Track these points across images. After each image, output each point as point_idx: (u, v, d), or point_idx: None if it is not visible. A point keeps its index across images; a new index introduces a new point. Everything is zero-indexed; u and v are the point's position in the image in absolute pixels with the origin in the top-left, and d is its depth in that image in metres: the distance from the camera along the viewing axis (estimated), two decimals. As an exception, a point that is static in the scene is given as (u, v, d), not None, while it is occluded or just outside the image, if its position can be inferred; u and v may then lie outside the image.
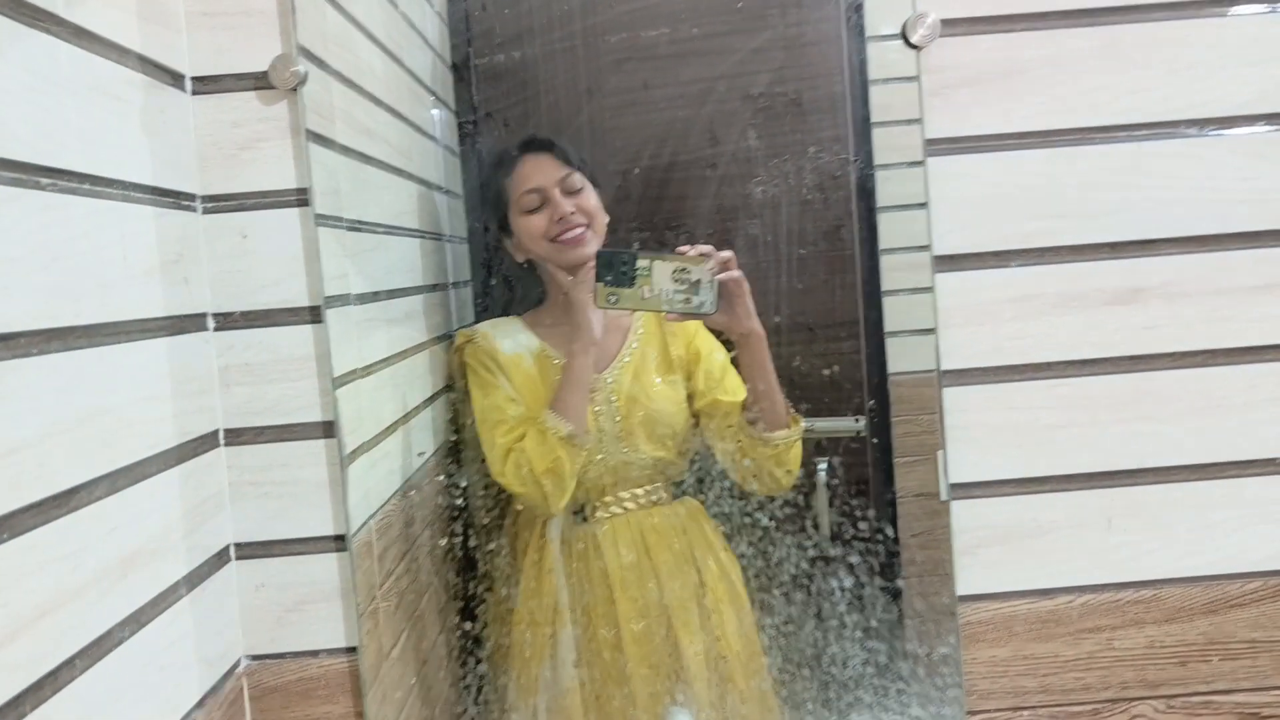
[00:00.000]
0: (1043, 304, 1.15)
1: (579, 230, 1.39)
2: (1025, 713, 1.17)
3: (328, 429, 1.12)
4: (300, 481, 1.12)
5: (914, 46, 1.11)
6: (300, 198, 1.11)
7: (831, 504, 1.51)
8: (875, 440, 1.51)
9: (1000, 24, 1.13)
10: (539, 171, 1.41)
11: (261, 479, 1.12)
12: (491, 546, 1.47)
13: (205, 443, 1.08)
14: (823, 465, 1.51)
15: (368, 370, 1.26)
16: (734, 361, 1.40)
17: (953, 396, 1.16)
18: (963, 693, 1.16)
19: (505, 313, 1.51)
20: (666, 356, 1.43)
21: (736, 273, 1.25)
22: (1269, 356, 1.16)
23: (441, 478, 1.46)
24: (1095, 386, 1.16)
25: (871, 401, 1.53)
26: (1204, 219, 1.15)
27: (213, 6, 1.10)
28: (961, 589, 1.16)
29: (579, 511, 1.41)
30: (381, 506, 1.25)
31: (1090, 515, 1.16)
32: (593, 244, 1.39)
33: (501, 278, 1.58)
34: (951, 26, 1.12)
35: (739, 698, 1.40)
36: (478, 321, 1.52)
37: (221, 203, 1.11)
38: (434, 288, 1.55)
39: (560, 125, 1.58)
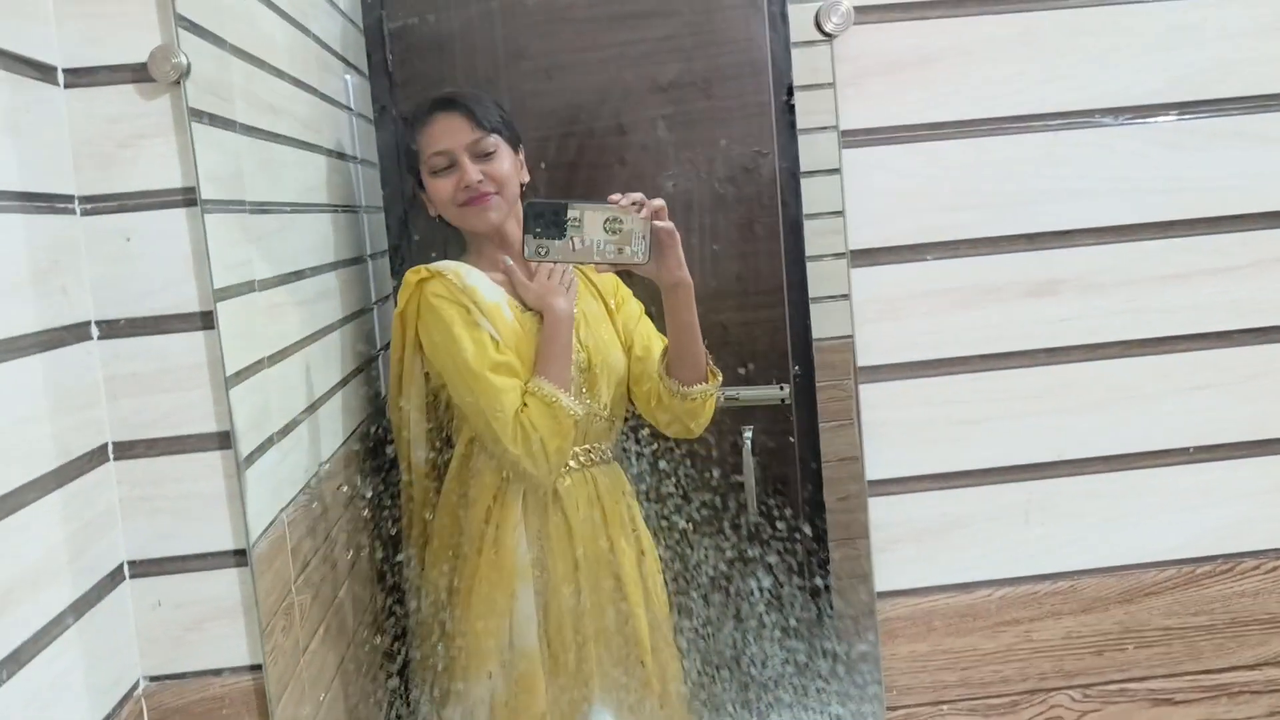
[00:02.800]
0: (959, 298, 1.14)
1: (485, 197, 1.34)
2: (945, 706, 1.17)
3: (223, 439, 1.07)
4: (196, 495, 1.07)
5: (827, 35, 1.08)
6: (187, 197, 1.05)
7: (759, 477, 1.48)
8: (784, 405, 1.47)
9: (915, 10, 1.10)
10: (449, 133, 1.35)
11: (154, 493, 1.07)
12: (391, 545, 1.43)
13: (92, 459, 1.03)
14: (748, 433, 1.49)
15: (275, 359, 1.21)
16: (650, 314, 1.39)
17: (869, 393, 1.14)
18: (882, 689, 1.15)
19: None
20: (604, 306, 1.41)
21: (668, 223, 1.22)
22: (1181, 346, 1.16)
23: (339, 484, 1.40)
24: (1011, 380, 1.15)
25: (796, 368, 1.51)
26: (1119, 209, 1.14)
27: (84, -8, 1.03)
28: (880, 585, 1.16)
29: None
30: (294, 498, 1.21)
31: (1007, 509, 1.16)
32: (500, 209, 1.35)
33: (420, 241, 1.51)
34: (865, 14, 1.09)
35: (666, 657, 1.39)
36: (396, 288, 1.44)
37: (101, 204, 1.04)
38: (349, 262, 1.50)
39: (476, 88, 1.51)
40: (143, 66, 1.03)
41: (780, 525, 1.43)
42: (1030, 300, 1.14)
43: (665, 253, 1.23)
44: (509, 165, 1.36)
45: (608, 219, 1.18)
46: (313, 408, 1.31)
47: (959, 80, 1.11)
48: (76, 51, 1.03)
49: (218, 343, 1.06)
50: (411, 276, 1.34)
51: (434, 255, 1.45)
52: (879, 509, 1.15)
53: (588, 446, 1.36)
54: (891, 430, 1.15)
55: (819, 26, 1.08)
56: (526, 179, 1.39)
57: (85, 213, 1.04)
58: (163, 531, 1.07)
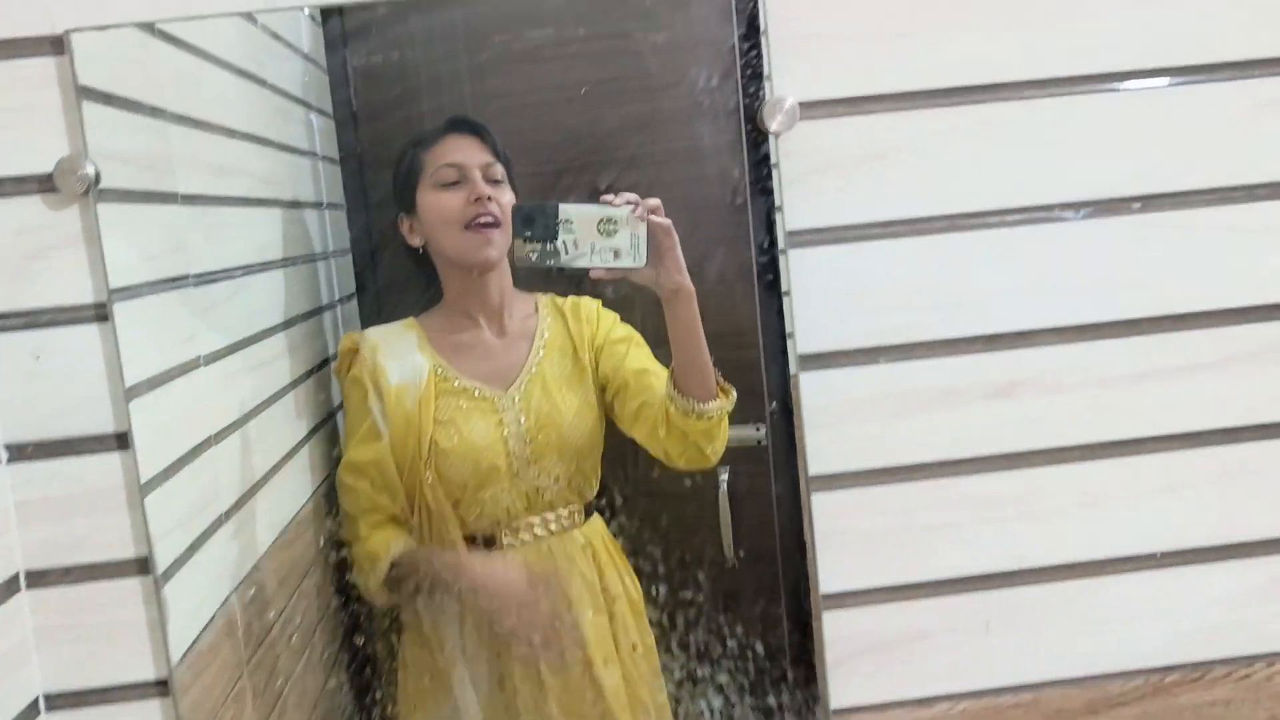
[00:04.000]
0: (915, 401, 1.09)
1: (492, 219, 1.28)
2: (904, 825, 1.13)
3: (143, 565, 1.02)
4: (115, 624, 1.03)
5: (770, 133, 1.03)
6: (100, 312, 1.00)
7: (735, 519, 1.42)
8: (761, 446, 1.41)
9: (863, 105, 1.05)
10: (464, 150, 1.31)
11: (72, 622, 1.02)
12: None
13: (4, 590, 0.98)
14: (724, 476, 1.43)
15: (225, 433, 1.17)
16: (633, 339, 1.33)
17: (821, 502, 1.09)
18: (839, 809, 1.11)
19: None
20: (577, 364, 1.34)
21: (665, 219, 1.15)
22: (1149, 448, 1.11)
23: (297, 549, 1.35)
24: (971, 486, 1.10)
25: (773, 404, 1.46)
26: (1080, 307, 1.09)
27: (-15, 101, 0.98)
28: (836, 702, 1.11)
29: (488, 541, 1.31)
30: (237, 587, 1.16)
31: (968, 620, 1.12)
32: (500, 248, 1.29)
33: (390, 284, 1.44)
34: (811, 109, 1.04)
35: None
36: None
37: (9, 321, 1.00)
38: (308, 315, 1.44)
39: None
40: (49, 177, 0.98)
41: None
42: (989, 403, 1.10)
43: (664, 254, 1.15)
44: (511, 198, 1.30)
45: (601, 220, 1.11)
46: (271, 473, 1.26)
47: (910, 176, 1.06)
48: (-22, 163, 0.98)
49: (134, 462, 1.01)
50: (345, 343, 1.33)
51: (405, 299, 1.39)
52: (833, 623, 1.10)
53: (541, 518, 1.31)
54: (846, 540, 1.10)
55: (762, 126, 1.02)
56: None
57: (-9, 331, 0.99)
58: (81, 662, 1.03)
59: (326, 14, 1.47)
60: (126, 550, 1.02)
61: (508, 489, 1.29)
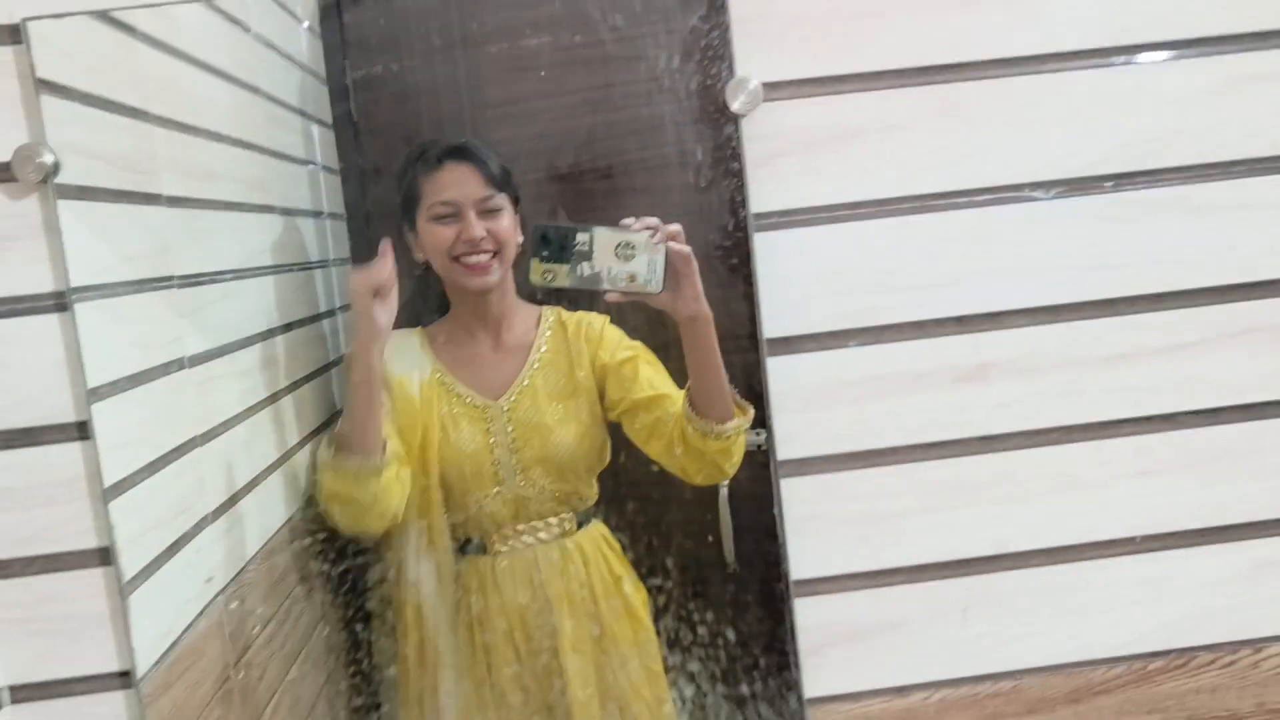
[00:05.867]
0: (886, 385, 1.07)
1: (484, 258, 1.30)
2: (882, 817, 1.10)
3: (104, 555, 1.01)
4: (76, 616, 1.02)
5: (734, 114, 1.02)
6: (59, 301, 1.00)
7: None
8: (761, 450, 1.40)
9: (829, 86, 1.04)
10: (459, 184, 1.31)
11: (32, 615, 1.02)
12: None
13: (-36, 581, 0.97)
14: (724, 485, 1.42)
15: (207, 437, 1.17)
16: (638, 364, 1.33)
17: (791, 488, 1.08)
18: (814, 801, 1.09)
19: (415, 322, 1.39)
20: (571, 379, 1.34)
21: (685, 247, 1.14)
22: (1125, 430, 1.09)
23: (291, 551, 1.34)
24: (945, 470, 1.09)
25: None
26: (1054, 288, 1.08)
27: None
28: (810, 691, 1.09)
29: (473, 543, 1.33)
30: (224, 589, 1.16)
31: (945, 606, 1.10)
32: (496, 273, 1.31)
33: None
34: (775, 90, 1.03)
35: None
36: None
37: (-34, 310, 0.99)
38: (306, 322, 1.45)
39: (442, 136, 1.45)
40: (8, 165, 0.98)
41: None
42: (962, 386, 1.08)
43: (681, 281, 1.14)
44: (509, 224, 1.31)
45: (619, 244, 1.11)
46: (262, 475, 1.26)
47: (879, 157, 1.05)
48: (-64, 153, 0.98)
49: (94, 453, 1.01)
50: None
51: (405, 310, 1.36)
52: (806, 610, 1.09)
53: (529, 525, 1.32)
54: (817, 526, 1.08)
55: (725, 106, 1.01)
56: (521, 239, 1.34)
57: (-52, 325, 0.99)
58: (42, 654, 1.02)
59: (325, 25, 1.48)
60: (89, 540, 1.02)
61: (493, 496, 1.31)
